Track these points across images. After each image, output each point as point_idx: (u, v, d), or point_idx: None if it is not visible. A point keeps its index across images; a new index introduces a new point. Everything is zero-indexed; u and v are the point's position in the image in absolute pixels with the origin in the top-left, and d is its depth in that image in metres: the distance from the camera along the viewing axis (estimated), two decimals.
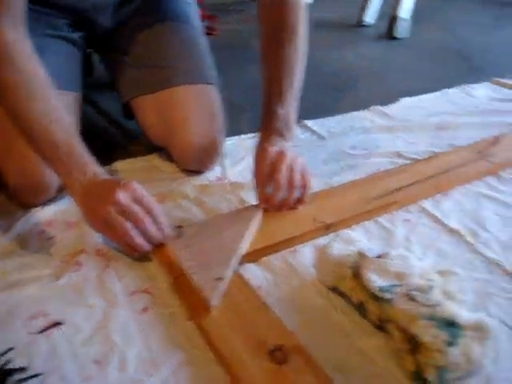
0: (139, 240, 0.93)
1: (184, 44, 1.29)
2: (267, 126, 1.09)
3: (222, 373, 0.77)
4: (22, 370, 0.77)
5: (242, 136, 1.43)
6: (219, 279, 0.88)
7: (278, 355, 0.76)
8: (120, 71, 1.32)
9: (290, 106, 1.11)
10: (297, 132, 1.45)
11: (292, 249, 1.01)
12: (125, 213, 0.91)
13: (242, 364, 0.75)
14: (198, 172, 1.26)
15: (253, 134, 1.14)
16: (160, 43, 1.29)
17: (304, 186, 1.07)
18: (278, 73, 1.10)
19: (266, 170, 1.03)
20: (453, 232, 1.07)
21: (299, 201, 1.08)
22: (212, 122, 1.22)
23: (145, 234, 0.94)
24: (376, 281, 0.81)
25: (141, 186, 0.96)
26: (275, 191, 1.03)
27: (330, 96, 1.78)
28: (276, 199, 1.04)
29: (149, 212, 0.94)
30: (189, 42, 1.30)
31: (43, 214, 1.11)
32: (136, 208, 0.93)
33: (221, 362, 0.78)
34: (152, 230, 0.94)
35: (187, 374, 0.77)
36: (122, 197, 0.92)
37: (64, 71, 1.20)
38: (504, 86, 1.83)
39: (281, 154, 1.04)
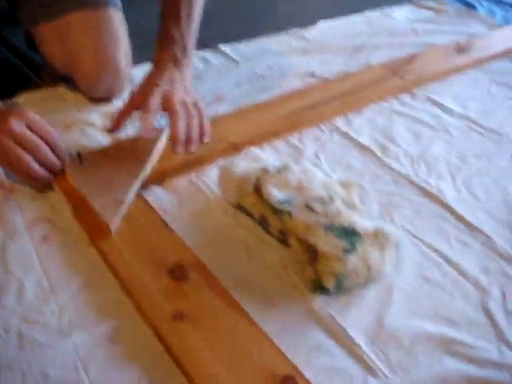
0: (37, 169, 0.89)
1: None
2: (162, 51, 1.04)
3: (122, 295, 0.75)
4: None
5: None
6: (119, 202, 0.85)
7: (178, 273, 0.75)
8: (18, 2, 1.25)
9: (188, 30, 1.05)
10: (210, 57, 1.41)
11: (199, 170, 0.98)
12: (20, 142, 0.87)
13: (140, 282, 0.74)
14: (106, 100, 1.21)
15: None
16: None
17: (200, 119, 1.01)
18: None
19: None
20: (363, 148, 1.06)
21: (201, 135, 1.01)
22: (115, 46, 1.16)
23: (43, 162, 0.90)
24: (276, 194, 0.80)
25: (36, 114, 0.91)
26: (174, 122, 0.96)
27: (247, 21, 1.73)
28: (179, 130, 0.96)
29: (45, 140, 0.90)
30: None
31: None
32: (31, 136, 0.88)
33: (120, 283, 0.76)
34: (50, 157, 0.90)
35: (86, 299, 0.75)
36: (16, 125, 0.87)
37: None
38: (424, 7, 1.81)
39: (169, 92, 0.98)
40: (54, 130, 0.92)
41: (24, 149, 0.87)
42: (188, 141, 0.98)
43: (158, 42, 1.06)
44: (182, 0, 1.04)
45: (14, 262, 0.81)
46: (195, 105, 1.01)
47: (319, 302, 0.74)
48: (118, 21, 1.19)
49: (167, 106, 0.96)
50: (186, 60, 1.05)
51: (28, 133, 0.88)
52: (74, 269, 0.80)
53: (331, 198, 0.79)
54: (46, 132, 0.90)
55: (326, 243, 0.72)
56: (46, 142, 0.90)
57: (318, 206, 0.76)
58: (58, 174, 0.92)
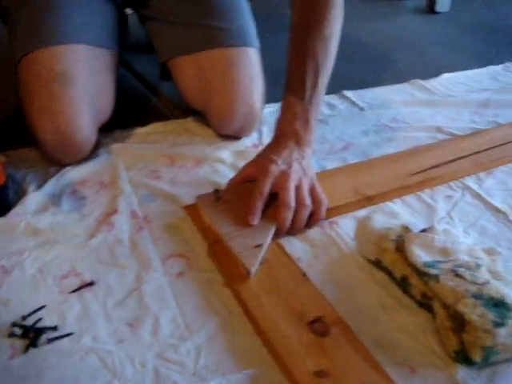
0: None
1: (225, 3, 1.24)
2: (283, 124, 1.01)
3: (259, 342, 0.75)
4: (53, 328, 0.76)
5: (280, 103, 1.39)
6: (258, 246, 0.85)
7: (319, 327, 0.74)
8: (158, 30, 1.28)
9: (312, 104, 1.00)
10: (336, 102, 1.41)
11: (331, 220, 0.98)
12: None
13: (280, 334, 0.73)
14: (234, 137, 1.23)
15: None
16: (200, 1, 1.23)
17: (317, 202, 0.94)
18: (301, 68, 1.00)
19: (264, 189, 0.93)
20: (497, 211, 1.03)
21: (314, 218, 0.95)
22: (252, 86, 1.18)
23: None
24: (421, 256, 0.78)
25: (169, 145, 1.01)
26: (281, 211, 0.90)
27: (368, 68, 1.73)
28: (284, 220, 0.90)
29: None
30: (230, 2, 1.25)
31: (76, 173, 1.09)
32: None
33: (258, 331, 0.75)
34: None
35: (222, 341, 0.75)
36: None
37: (104, 28, 1.18)
38: None
39: (284, 174, 0.93)
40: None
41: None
42: (292, 229, 0.92)
43: (280, 116, 1.02)
44: (308, 69, 0.99)
45: (148, 295, 0.82)
46: (312, 188, 0.95)
47: (462, 373, 0.71)
48: (256, 60, 1.21)
49: (278, 189, 0.92)
50: (308, 136, 1.00)
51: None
52: (209, 309, 0.80)
53: (478, 266, 0.77)
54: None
55: (475, 313, 0.70)
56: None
57: (466, 273, 0.74)
58: (193, 208, 0.95)
